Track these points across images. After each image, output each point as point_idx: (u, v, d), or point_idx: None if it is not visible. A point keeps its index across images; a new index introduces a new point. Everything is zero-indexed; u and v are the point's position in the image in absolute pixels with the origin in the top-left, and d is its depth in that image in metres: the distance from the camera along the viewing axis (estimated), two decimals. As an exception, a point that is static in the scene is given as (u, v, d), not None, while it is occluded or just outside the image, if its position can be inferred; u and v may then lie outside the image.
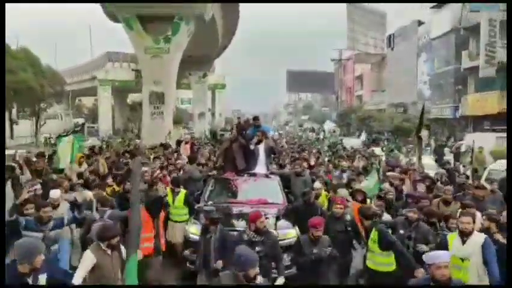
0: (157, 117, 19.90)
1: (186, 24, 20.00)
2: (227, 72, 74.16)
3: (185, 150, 12.78)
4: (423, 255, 3.96)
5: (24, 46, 37.61)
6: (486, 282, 4.28)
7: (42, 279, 3.65)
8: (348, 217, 5.75)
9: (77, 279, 4.00)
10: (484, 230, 4.90)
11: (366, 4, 51.33)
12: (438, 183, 8.63)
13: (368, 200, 6.74)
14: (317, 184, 7.53)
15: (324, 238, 5.14)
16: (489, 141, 17.43)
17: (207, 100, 43.67)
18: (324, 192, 7.41)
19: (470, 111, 26.44)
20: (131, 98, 64.18)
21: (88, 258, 4.12)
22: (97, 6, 21.20)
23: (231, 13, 27.27)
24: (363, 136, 26.87)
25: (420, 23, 34.16)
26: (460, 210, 5.74)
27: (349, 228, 5.62)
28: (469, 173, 11.07)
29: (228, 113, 76.98)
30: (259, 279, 3.83)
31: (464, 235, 4.39)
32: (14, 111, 38.50)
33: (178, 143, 14.38)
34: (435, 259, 3.61)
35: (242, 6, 27.57)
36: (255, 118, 9.26)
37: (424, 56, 32.94)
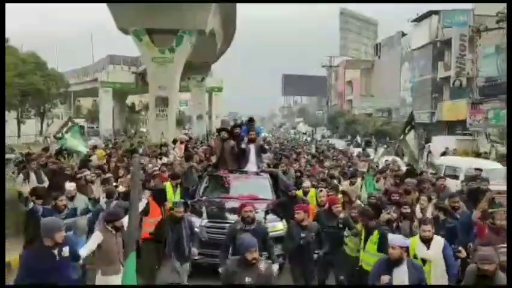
0: (162, 119, 22.78)
1: (189, 37, 22.93)
2: (224, 75, 77.06)
3: (180, 149, 13.85)
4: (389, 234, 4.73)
5: (33, 51, 40.40)
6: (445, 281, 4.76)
7: (66, 251, 4.29)
8: (341, 214, 6.08)
9: (83, 251, 4.75)
10: (434, 217, 5.79)
11: (359, 13, 54.53)
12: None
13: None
14: (306, 183, 8.28)
15: (311, 224, 5.58)
16: (451, 142, 20.71)
17: (205, 103, 46.29)
18: (312, 189, 7.97)
19: (444, 116, 29.53)
20: (130, 99, 66.91)
21: (97, 236, 4.94)
22: (98, 16, 24.12)
23: (229, 23, 30.28)
24: (358, 139, 29.79)
25: (403, 34, 37.32)
26: (420, 198, 6.97)
27: (341, 225, 5.93)
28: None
29: (224, 115, 79.70)
30: (262, 265, 4.07)
31: (426, 241, 4.85)
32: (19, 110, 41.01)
33: (174, 142, 15.45)
34: (390, 240, 4.43)
35: (240, 9, 30.38)
36: (250, 119, 10.19)
37: (407, 65, 36.05)
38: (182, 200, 6.74)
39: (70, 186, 6.93)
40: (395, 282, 4.24)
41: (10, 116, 38.48)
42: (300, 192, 7.79)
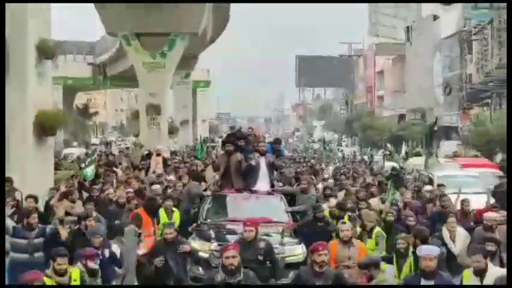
0: (154, 127, 35.07)
1: (181, 40, 35.43)
2: (213, 64, 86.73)
3: (156, 163, 17.07)
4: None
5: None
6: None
7: (107, 253, 8.26)
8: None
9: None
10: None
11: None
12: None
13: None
14: (332, 201, 11.91)
15: (328, 271, 6.93)
16: (453, 147, 33.82)
17: (190, 104, 56.37)
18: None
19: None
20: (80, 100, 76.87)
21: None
22: None
23: (222, 19, 43.00)
24: (403, 150, 40.64)
25: (435, 17, 49.37)
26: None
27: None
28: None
29: (212, 118, 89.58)
30: None
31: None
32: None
33: (148, 156, 19.06)
34: (427, 251, 6.69)
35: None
36: (276, 141, 14.83)
37: (438, 56, 48.33)
38: (173, 221, 10.03)
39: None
40: None
41: None
42: (327, 213, 11.15)
